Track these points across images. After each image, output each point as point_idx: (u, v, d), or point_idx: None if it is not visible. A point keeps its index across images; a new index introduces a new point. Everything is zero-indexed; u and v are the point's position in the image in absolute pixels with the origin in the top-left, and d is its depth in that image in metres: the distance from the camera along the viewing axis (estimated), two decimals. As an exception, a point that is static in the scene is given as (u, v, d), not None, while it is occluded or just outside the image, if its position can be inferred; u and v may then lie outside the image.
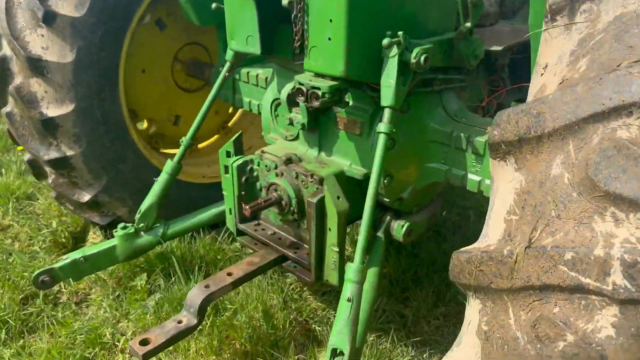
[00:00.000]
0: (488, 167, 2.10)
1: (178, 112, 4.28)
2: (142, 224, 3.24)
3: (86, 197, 3.59)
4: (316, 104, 2.48)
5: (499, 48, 2.95)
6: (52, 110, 3.30)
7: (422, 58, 2.33)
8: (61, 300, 3.51)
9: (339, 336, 2.21)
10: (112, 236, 3.24)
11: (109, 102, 3.46)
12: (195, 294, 2.67)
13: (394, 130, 2.35)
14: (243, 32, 2.76)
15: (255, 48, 2.75)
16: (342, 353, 2.19)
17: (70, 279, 3.17)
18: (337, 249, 2.65)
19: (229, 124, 4.69)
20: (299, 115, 2.79)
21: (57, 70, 3.23)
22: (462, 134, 2.57)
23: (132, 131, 3.68)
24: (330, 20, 2.31)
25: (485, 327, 1.53)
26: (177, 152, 3.23)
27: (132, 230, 3.23)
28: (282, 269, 3.19)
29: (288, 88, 2.77)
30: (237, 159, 2.97)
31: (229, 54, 3.07)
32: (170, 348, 2.92)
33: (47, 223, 4.21)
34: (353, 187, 2.78)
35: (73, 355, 3.01)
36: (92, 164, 3.50)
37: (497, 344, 1.48)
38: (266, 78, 3.43)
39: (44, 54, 3.20)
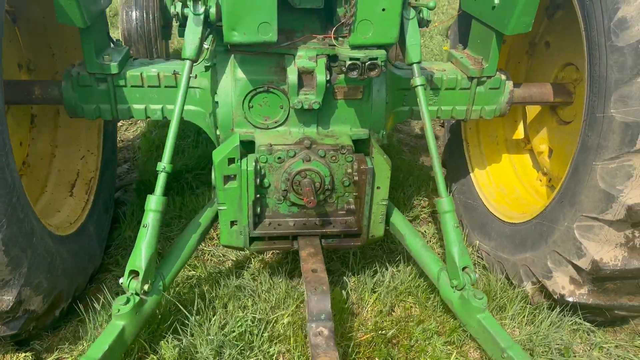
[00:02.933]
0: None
1: None
2: (146, 285, 2.54)
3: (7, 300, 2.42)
4: (374, 73, 2.64)
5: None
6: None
7: (429, 16, 2.82)
8: None
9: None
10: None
11: None
12: (320, 300, 2.52)
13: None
14: (253, 20, 2.50)
15: (270, 36, 2.56)
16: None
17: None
18: (385, 203, 2.95)
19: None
20: (312, 96, 2.79)
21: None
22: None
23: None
24: (386, -7, 2.51)
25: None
26: (158, 183, 2.61)
27: (138, 298, 2.51)
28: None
29: (295, 72, 2.74)
30: (247, 162, 2.71)
31: (206, 53, 2.64)
32: None
33: None
34: (361, 147, 3.04)
35: None
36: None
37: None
38: (174, 75, 3.01)
39: None
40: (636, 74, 2.35)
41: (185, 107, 3.10)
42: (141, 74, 3.02)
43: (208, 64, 2.97)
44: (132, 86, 3.04)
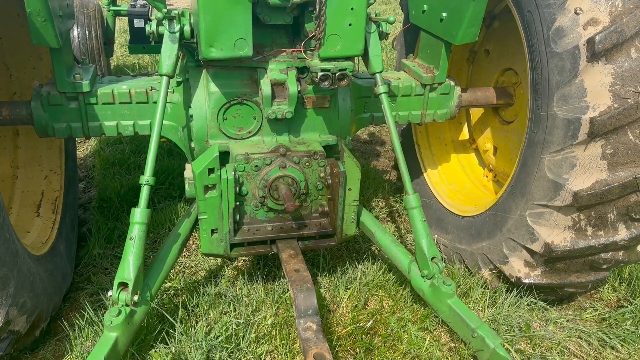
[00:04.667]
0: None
1: None
2: (136, 296, 2.61)
3: (-4, 321, 2.42)
4: (343, 83, 2.85)
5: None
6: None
7: (388, 29, 3.07)
8: None
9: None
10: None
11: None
12: (307, 297, 2.67)
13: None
14: (229, 36, 2.65)
15: (246, 51, 2.71)
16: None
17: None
18: (356, 203, 3.16)
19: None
20: (284, 106, 2.97)
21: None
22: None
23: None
24: (352, 9, 2.72)
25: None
26: (142, 196, 2.69)
27: (129, 309, 2.58)
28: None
29: (268, 84, 2.90)
30: (226, 172, 2.84)
31: (180, 68, 2.74)
32: None
33: None
34: (328, 153, 3.23)
35: None
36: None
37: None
38: (147, 91, 3.11)
39: None
40: (574, 75, 2.68)
41: None
42: (112, 91, 3.08)
43: (180, 79, 3.08)
44: (103, 103, 3.10)
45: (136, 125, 3.19)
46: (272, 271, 3.59)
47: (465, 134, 4.46)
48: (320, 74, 2.79)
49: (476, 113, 4.27)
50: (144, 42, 5.68)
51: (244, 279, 3.43)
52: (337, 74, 2.81)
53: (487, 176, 4.19)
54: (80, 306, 3.33)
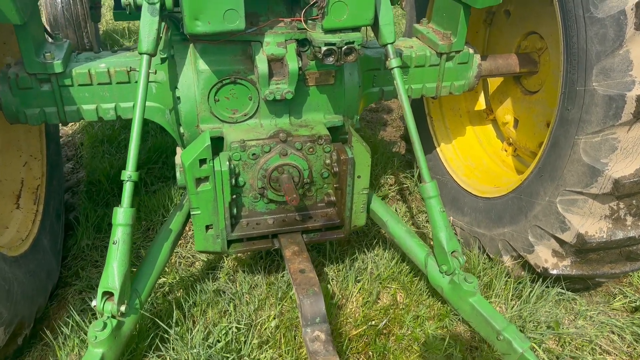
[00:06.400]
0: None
1: None
2: (123, 306, 2.33)
3: None
4: (351, 58, 2.48)
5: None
6: None
7: None
8: None
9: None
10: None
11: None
12: (314, 303, 2.40)
13: None
14: (217, 7, 2.28)
15: (237, 23, 2.34)
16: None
17: None
18: (366, 192, 2.84)
19: None
20: (284, 85, 2.61)
21: None
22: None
23: None
24: (360, -27, 2.34)
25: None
26: (125, 194, 2.37)
27: (115, 321, 2.30)
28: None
29: (264, 61, 2.55)
30: (220, 162, 2.51)
31: (164, 43, 2.38)
32: None
33: None
34: (334, 135, 2.90)
35: None
36: None
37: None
38: (128, 70, 2.74)
39: None
40: (619, 45, 2.31)
41: None
42: (89, 70, 2.72)
43: (164, 56, 2.72)
44: (79, 85, 2.74)
45: (118, 108, 2.85)
46: (276, 260, 3.31)
47: (481, 104, 4.09)
48: (324, 48, 2.42)
49: (495, 81, 3.89)
50: (128, 8, 5.24)
51: (245, 272, 3.15)
52: (343, 48, 2.44)
53: (506, 150, 3.85)
54: (68, 305, 3.07)
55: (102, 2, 6.68)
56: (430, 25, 3.34)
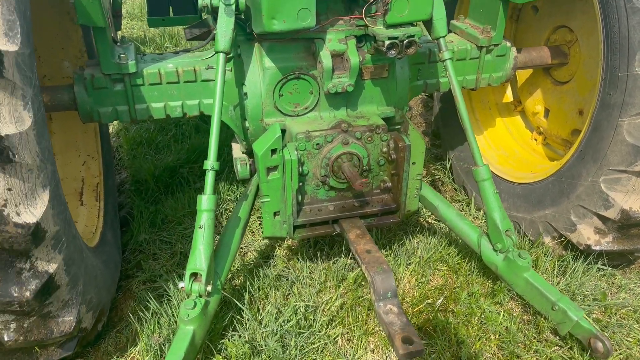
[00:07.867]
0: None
1: None
2: (209, 286, 2.49)
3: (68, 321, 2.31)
4: (411, 50, 2.67)
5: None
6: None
7: None
8: None
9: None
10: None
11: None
12: (385, 279, 2.57)
13: None
14: (292, 6, 2.45)
15: (309, 21, 2.52)
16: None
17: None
18: (420, 177, 3.02)
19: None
20: (345, 79, 2.80)
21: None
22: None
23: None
24: (420, -29, 2.53)
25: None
26: (207, 182, 2.54)
27: (204, 301, 2.47)
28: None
29: (328, 56, 2.73)
30: (289, 152, 2.69)
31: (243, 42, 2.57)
32: None
33: None
34: (387, 126, 3.07)
35: None
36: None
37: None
38: (194, 69, 2.92)
39: None
40: (661, 32, 2.51)
41: (205, 101, 3.02)
42: (159, 70, 2.89)
43: (230, 55, 2.89)
44: (150, 84, 2.91)
45: (184, 106, 3.01)
46: (324, 249, 3.47)
47: (509, 96, 4.29)
48: (387, 42, 2.61)
49: (523, 74, 4.09)
50: (162, 15, 5.41)
51: (300, 259, 3.31)
52: (404, 42, 2.63)
53: (536, 139, 4.05)
54: (134, 295, 3.22)
55: (122, 11, 6.85)
56: (467, 21, 3.53)
